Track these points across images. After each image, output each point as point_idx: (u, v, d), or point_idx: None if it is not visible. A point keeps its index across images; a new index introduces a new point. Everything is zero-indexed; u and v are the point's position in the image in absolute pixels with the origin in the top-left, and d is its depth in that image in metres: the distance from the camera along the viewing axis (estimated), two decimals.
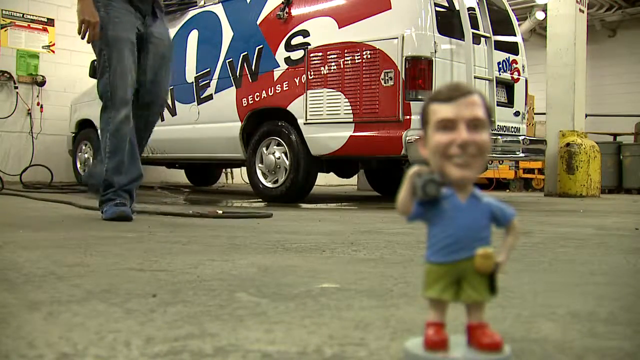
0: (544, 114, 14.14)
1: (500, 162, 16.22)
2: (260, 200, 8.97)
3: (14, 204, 7.24)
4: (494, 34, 8.63)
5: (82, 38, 5.41)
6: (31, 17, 14.29)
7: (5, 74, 13.96)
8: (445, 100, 1.16)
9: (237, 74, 9.34)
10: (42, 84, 14.21)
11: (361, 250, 3.28)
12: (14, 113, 14.04)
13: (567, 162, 12.60)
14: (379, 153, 8.13)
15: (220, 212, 5.93)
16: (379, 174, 11.04)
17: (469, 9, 8.32)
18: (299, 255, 3.13)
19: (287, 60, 8.76)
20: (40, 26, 14.41)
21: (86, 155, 12.34)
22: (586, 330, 1.59)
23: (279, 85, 8.79)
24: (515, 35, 9.45)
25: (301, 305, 1.86)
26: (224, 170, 15.55)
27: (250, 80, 9.14)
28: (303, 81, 8.50)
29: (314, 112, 8.33)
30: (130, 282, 2.24)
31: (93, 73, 11.64)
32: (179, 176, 15.29)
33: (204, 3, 10.43)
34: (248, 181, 9.46)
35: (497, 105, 8.40)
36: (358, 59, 8.00)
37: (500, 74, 8.74)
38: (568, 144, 12.80)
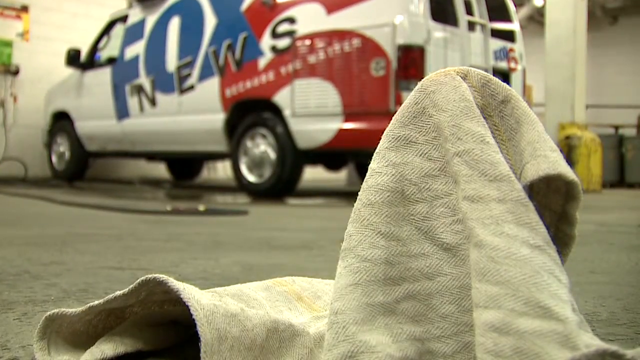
0: (543, 105, 14.16)
1: None
2: (245, 195, 8.97)
3: None
4: (490, 21, 8.64)
5: None
6: (4, 4, 14.23)
7: None
8: None
9: (221, 63, 9.32)
10: (15, 73, 14.15)
11: None
12: None
13: (567, 155, 12.62)
14: (370, 146, 8.13)
15: (202, 208, 5.92)
16: None
17: None
18: (285, 253, 3.14)
19: (273, 48, 8.74)
20: (13, 13, 14.35)
21: (62, 149, 12.31)
22: None
23: (264, 75, 8.78)
24: (512, 22, 9.46)
25: None
26: (205, 163, 15.51)
27: (234, 70, 9.13)
28: (289, 71, 8.50)
29: (301, 103, 8.33)
30: (108, 281, 2.24)
31: (69, 61, 11.61)
32: (160, 170, 15.27)
33: None
34: (231, 175, 9.46)
35: None
36: (347, 48, 8.00)
37: (496, 63, 8.76)
38: (568, 137, 12.82)
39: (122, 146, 11.20)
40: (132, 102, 10.67)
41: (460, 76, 1.12)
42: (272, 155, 8.66)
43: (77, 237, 3.66)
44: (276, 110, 8.69)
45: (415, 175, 1.10)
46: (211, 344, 1.08)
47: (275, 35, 8.78)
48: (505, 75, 9.01)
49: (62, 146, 12.32)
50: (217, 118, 9.32)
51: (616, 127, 18.81)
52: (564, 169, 1.01)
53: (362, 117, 7.89)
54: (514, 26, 9.50)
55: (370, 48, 7.84)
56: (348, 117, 7.98)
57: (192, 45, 9.80)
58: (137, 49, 10.74)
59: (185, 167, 14.46)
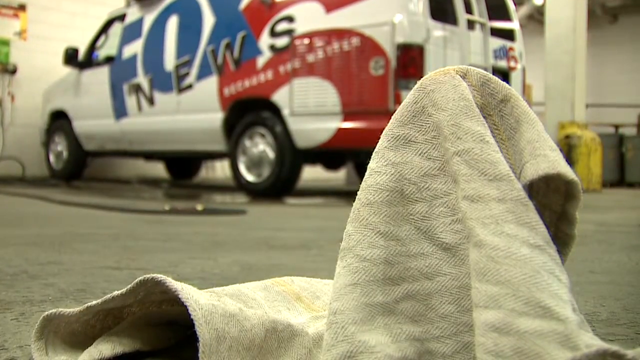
0: (542, 104, 14.16)
1: None
2: (243, 195, 8.96)
3: None
4: (489, 20, 8.63)
5: None
6: (2, 2, 14.21)
7: None
8: None
9: (219, 62, 9.32)
10: (13, 72, 14.13)
11: None
12: None
13: (567, 154, 12.60)
14: (369, 145, 8.11)
15: (200, 208, 5.92)
16: None
17: None
18: (284, 252, 3.13)
19: (272, 47, 8.74)
20: (11, 12, 14.33)
21: (59, 148, 12.30)
22: None
23: (263, 74, 8.77)
24: (511, 21, 9.45)
25: None
26: (204, 163, 15.49)
27: (233, 69, 9.13)
28: (288, 70, 8.49)
29: (300, 102, 8.32)
30: (106, 281, 2.24)
31: (67, 60, 11.61)
32: (158, 169, 15.26)
33: None
34: (230, 175, 9.45)
35: None
36: (346, 46, 7.99)
37: (496, 62, 8.76)
38: (567, 136, 12.82)
39: (120, 145, 11.19)
40: (130, 101, 10.67)
41: (460, 75, 1.12)
42: (271, 154, 8.66)
43: (75, 236, 3.66)
44: (275, 110, 8.69)
45: (414, 175, 1.10)
46: (209, 344, 1.08)
47: (273, 34, 8.78)
48: (504, 74, 9.00)
49: (60, 145, 12.31)
50: (216, 117, 9.32)
51: (616, 126, 18.81)
52: (563, 168, 1.01)
53: (361, 116, 7.88)
54: (514, 25, 9.49)
55: (369, 47, 7.84)
56: (347, 117, 7.97)
57: (191, 44, 9.79)
58: (135, 48, 10.74)
59: (183, 166, 14.45)
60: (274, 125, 8.62)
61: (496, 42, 8.87)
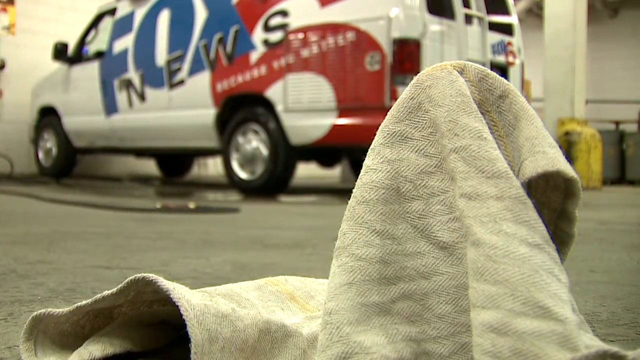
0: (542, 100, 14.16)
1: None
2: (236, 192, 8.95)
3: None
4: (487, 14, 8.63)
5: None
6: None
7: None
8: None
9: (212, 57, 9.31)
10: (1, 67, 14.10)
11: None
12: None
13: (566, 151, 12.59)
14: (364, 142, 8.10)
15: (192, 206, 5.92)
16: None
17: None
18: (278, 252, 3.13)
19: (265, 42, 8.73)
20: None
21: (49, 145, 12.28)
22: None
23: (256, 69, 8.76)
24: (510, 15, 9.45)
25: None
26: (196, 160, 15.46)
27: (225, 64, 9.11)
28: (282, 65, 8.48)
29: (294, 98, 8.31)
30: (97, 281, 2.24)
31: (56, 55, 11.58)
32: (149, 166, 15.24)
33: None
34: (223, 172, 9.44)
35: None
36: (341, 41, 7.98)
37: (494, 57, 8.76)
38: (567, 133, 12.82)
39: (111, 142, 11.17)
40: (121, 97, 10.65)
41: (457, 70, 1.12)
42: (264, 151, 8.65)
43: (64, 235, 3.66)
44: (268, 106, 8.67)
45: (410, 172, 1.10)
46: (202, 345, 1.08)
47: (267, 28, 8.76)
48: (503, 70, 8.99)
49: (49, 142, 12.29)
50: (208, 113, 9.30)
51: (617, 123, 18.78)
52: (563, 165, 1.01)
53: (357, 112, 7.88)
54: (512, 19, 9.49)
55: (364, 42, 7.83)
56: (342, 113, 7.97)
57: (183, 39, 9.77)
58: (126, 42, 10.72)
59: (175, 163, 14.42)
60: (267, 121, 8.61)
61: (494, 37, 8.86)
